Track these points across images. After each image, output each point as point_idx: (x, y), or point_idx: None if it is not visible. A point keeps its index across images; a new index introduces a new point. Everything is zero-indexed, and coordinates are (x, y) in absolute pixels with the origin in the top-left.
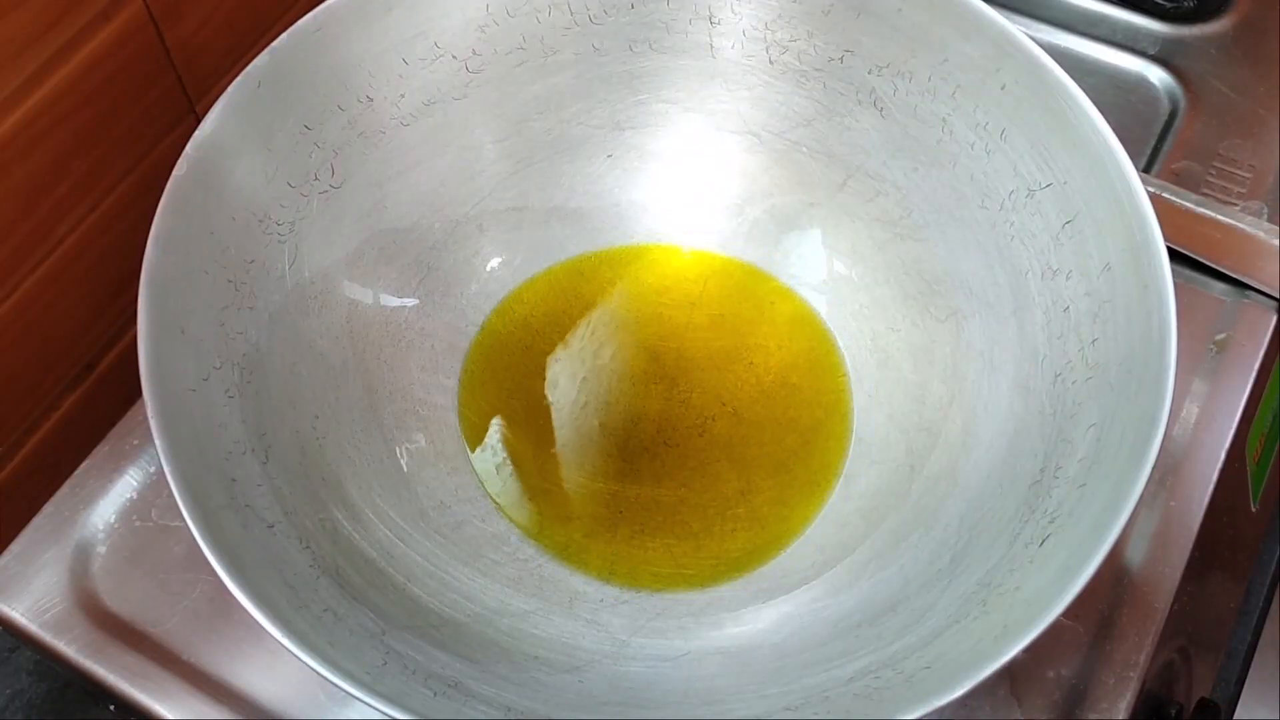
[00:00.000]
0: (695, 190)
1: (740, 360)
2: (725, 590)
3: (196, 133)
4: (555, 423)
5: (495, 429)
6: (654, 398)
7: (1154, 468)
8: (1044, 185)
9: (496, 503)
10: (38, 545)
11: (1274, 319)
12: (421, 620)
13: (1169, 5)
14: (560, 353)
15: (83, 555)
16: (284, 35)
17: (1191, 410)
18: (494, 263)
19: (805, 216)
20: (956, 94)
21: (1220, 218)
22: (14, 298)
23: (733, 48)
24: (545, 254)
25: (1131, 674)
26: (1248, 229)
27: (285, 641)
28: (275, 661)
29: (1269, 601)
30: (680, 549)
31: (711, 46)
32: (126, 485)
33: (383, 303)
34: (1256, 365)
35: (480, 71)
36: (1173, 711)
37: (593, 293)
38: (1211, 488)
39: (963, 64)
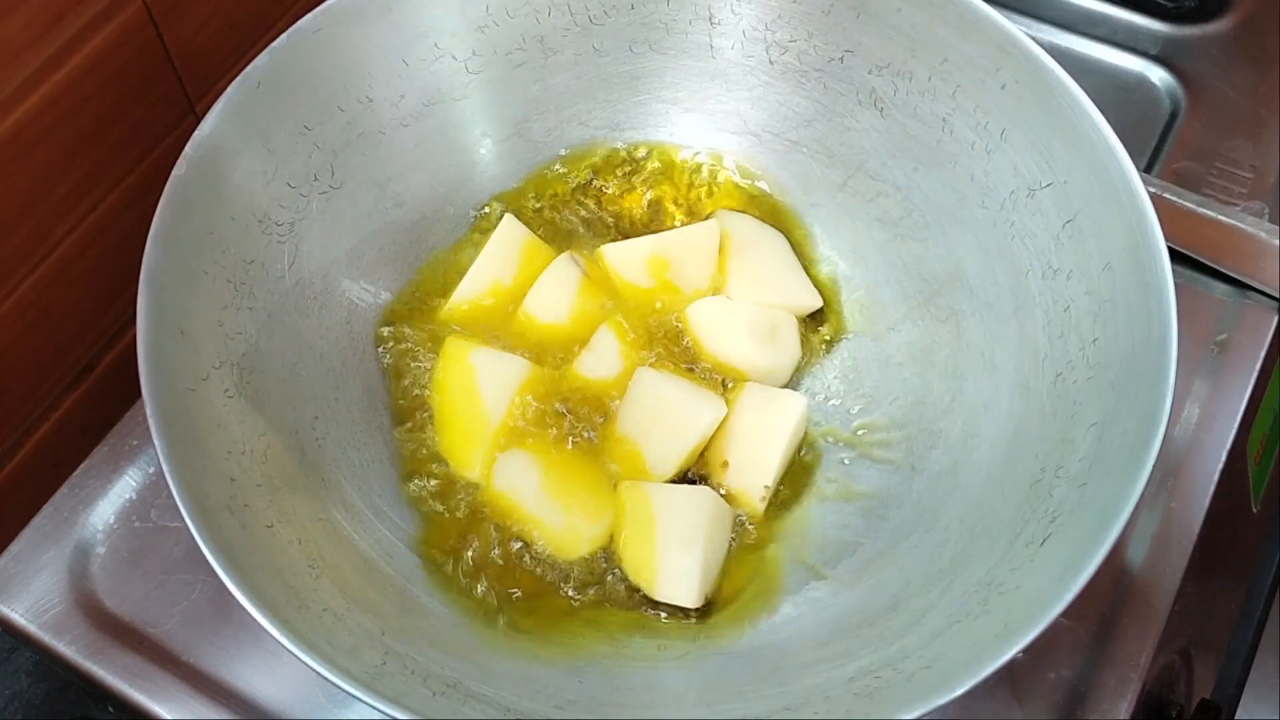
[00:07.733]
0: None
1: None
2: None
3: (196, 133)
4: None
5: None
6: None
7: (1154, 468)
8: (1044, 185)
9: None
10: (38, 545)
11: (1275, 319)
12: (421, 620)
13: (1169, 5)
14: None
15: (82, 556)
16: (284, 35)
17: (1192, 411)
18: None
19: (805, 216)
20: (956, 94)
21: (1221, 218)
22: (14, 298)
23: (733, 48)
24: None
25: (1132, 675)
26: (1248, 229)
27: (285, 641)
28: (275, 661)
29: (1270, 603)
30: None
31: (711, 47)
32: (126, 485)
33: (382, 303)
34: (1257, 366)
35: (480, 72)
36: (1173, 713)
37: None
38: (1212, 489)
39: (963, 64)
